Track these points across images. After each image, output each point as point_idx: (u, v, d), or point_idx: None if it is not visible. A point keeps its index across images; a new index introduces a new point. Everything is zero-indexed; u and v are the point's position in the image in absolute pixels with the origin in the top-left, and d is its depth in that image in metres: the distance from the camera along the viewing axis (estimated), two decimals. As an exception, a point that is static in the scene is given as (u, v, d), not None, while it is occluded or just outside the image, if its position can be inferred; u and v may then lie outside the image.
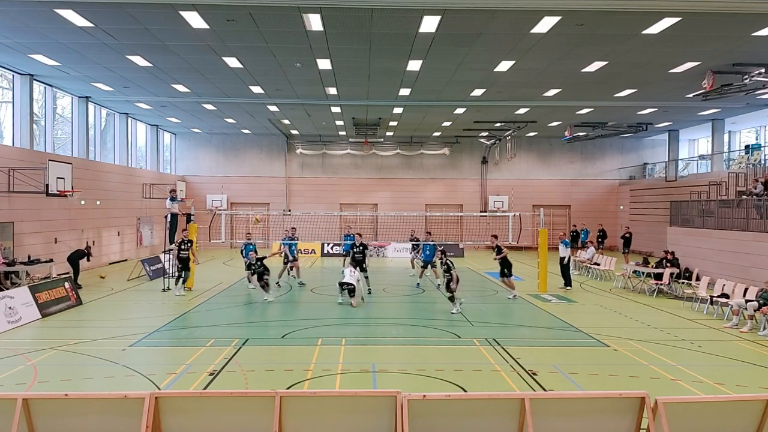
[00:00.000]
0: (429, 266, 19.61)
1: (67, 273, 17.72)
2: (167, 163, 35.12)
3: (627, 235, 25.72)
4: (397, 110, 26.03)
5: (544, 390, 8.59)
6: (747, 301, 13.16)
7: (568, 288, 18.74)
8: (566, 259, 18.75)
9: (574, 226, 30.11)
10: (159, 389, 8.46)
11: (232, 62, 17.82)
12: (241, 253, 19.34)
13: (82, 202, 22.56)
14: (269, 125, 30.82)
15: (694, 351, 11.16)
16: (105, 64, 18.29)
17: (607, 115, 27.54)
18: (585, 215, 34.07)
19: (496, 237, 17.71)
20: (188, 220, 19.28)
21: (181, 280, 17.42)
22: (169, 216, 19.84)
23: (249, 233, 19.79)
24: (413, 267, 22.37)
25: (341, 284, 15.67)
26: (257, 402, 5.43)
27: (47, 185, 18.44)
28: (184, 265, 17.40)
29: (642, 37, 14.91)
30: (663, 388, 8.71)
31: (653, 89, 21.43)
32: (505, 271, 17.09)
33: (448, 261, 15.09)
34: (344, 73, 19.34)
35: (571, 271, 19.36)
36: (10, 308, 12.82)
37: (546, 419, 5.34)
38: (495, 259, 17.38)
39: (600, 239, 28.14)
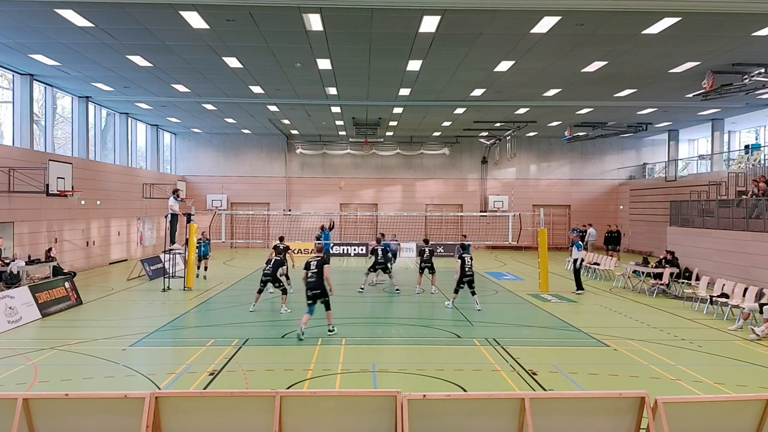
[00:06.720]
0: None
1: (69, 273, 17.68)
2: (167, 163, 35.12)
3: (614, 234, 25.73)
4: (397, 110, 26.01)
5: (544, 390, 8.59)
6: (762, 305, 12.67)
7: (581, 292, 18.08)
8: (578, 262, 18.54)
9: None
10: (159, 389, 8.46)
11: (232, 62, 17.82)
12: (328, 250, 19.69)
13: (82, 202, 22.56)
14: (269, 125, 30.81)
15: (694, 351, 11.16)
16: (105, 64, 18.29)
17: (607, 115, 27.53)
18: (585, 215, 34.07)
19: (383, 236, 19.24)
20: (188, 221, 19.27)
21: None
22: (169, 216, 19.84)
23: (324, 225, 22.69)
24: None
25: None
26: (257, 402, 5.43)
27: (47, 185, 18.46)
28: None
29: (642, 37, 14.91)
30: (663, 388, 8.70)
31: (653, 89, 21.42)
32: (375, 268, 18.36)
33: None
34: (344, 73, 19.34)
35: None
36: (10, 308, 12.83)
37: (546, 419, 5.34)
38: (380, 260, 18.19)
39: (612, 241, 27.57)
